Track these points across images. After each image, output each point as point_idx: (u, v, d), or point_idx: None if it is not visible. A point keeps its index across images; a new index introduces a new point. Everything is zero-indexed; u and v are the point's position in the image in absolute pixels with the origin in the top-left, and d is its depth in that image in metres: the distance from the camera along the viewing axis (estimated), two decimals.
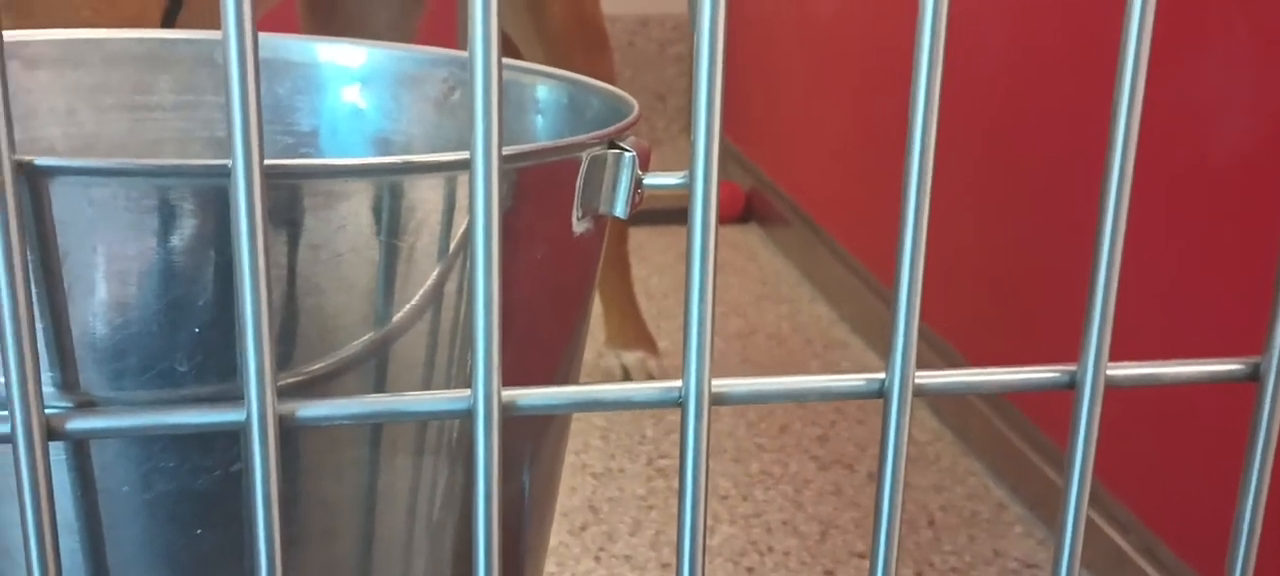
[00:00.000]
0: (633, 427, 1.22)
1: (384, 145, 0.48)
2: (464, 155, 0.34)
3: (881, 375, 0.33)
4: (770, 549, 1.02)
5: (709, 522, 1.06)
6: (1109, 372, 0.34)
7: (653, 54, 2.25)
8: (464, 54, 0.50)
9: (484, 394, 0.31)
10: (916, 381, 0.33)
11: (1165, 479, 0.93)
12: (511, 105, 0.47)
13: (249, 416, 0.29)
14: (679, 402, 0.32)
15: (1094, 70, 1.01)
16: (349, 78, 0.49)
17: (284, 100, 0.51)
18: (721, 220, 1.96)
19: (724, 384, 0.32)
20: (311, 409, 0.30)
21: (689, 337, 0.32)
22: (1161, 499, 0.94)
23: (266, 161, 0.28)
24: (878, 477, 0.34)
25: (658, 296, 1.55)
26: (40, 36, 0.48)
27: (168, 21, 0.72)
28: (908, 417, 0.33)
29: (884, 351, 1.57)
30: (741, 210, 1.84)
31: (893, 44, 1.42)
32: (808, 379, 0.33)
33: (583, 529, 1.04)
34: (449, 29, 1.63)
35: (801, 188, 1.71)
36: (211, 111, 0.51)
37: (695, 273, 0.31)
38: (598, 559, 1.01)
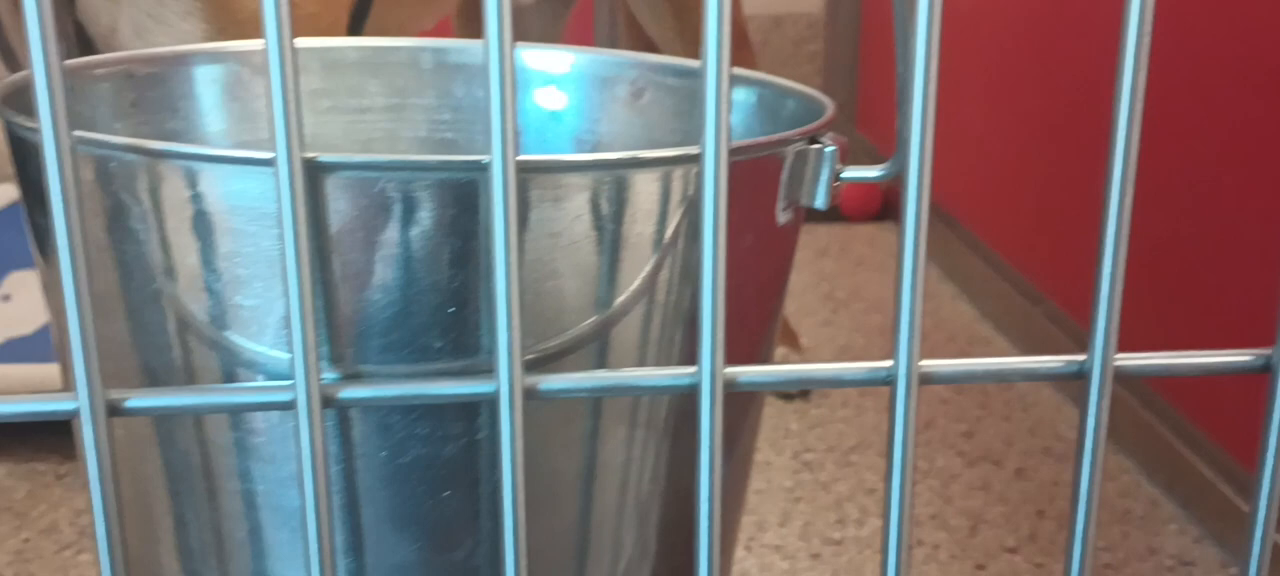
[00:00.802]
0: (778, 422, 1.24)
1: (581, 143, 0.51)
2: (682, 150, 0.37)
3: (1082, 357, 0.35)
4: (920, 542, 1.03)
5: (856, 515, 1.08)
6: None
7: (788, 52, 2.26)
8: (651, 57, 0.53)
9: (709, 369, 0.33)
10: (1116, 364, 0.34)
11: None
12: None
13: (500, 388, 0.32)
14: (888, 381, 0.34)
15: (1260, 56, 1.00)
16: (546, 80, 0.53)
17: (484, 102, 0.54)
18: (857, 218, 1.95)
19: (931, 364, 0.34)
20: (554, 382, 0.33)
21: (900, 320, 0.34)
22: None
23: (519, 158, 0.31)
24: (1076, 463, 0.36)
25: (796, 292, 1.57)
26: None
27: (354, 29, 0.76)
28: (1108, 400, 0.34)
29: (1029, 348, 1.56)
30: (879, 207, 1.85)
31: (1032, 37, 1.42)
32: (1011, 360, 0.35)
33: None
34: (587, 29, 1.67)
35: (940, 184, 1.70)
36: (416, 113, 0.54)
37: (907, 259, 0.33)
38: (748, 548, 1.03)
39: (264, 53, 0.52)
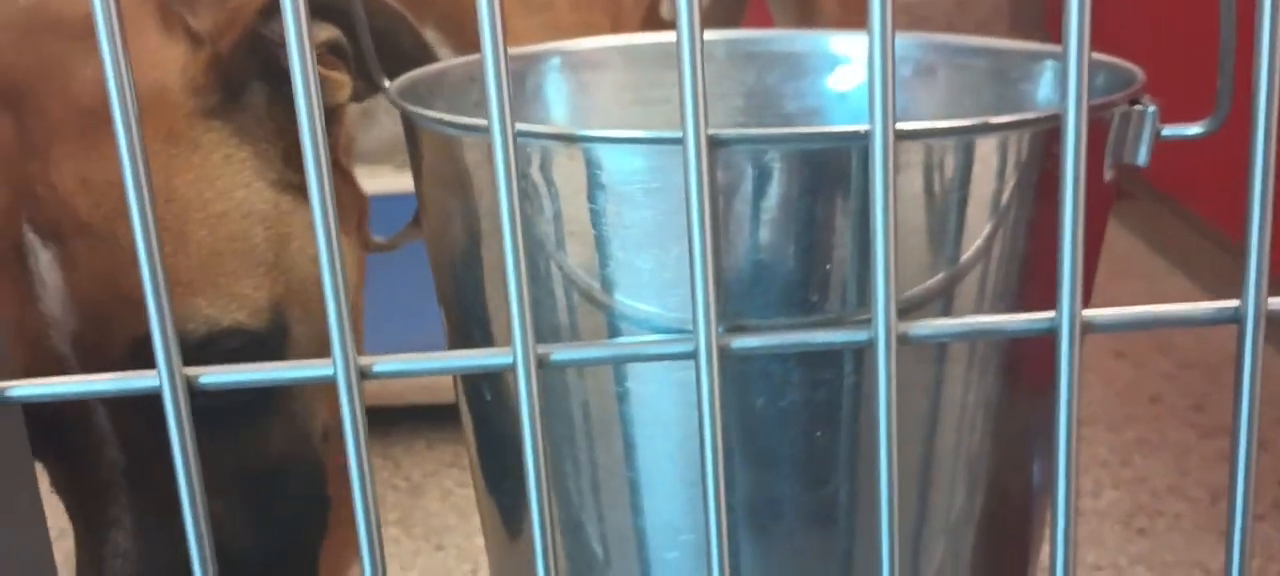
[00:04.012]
0: None
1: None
2: (1033, 114, 0.40)
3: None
4: (1160, 512, 1.03)
5: (1090, 487, 1.08)
6: None
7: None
8: (939, 37, 0.56)
9: (1068, 313, 0.36)
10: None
11: None
12: (1004, 79, 0.52)
13: (876, 335, 0.36)
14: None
15: None
16: (837, 62, 0.56)
17: (774, 88, 0.58)
18: None
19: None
20: (924, 327, 0.36)
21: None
22: None
23: (898, 126, 0.35)
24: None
25: None
26: (584, 45, 0.57)
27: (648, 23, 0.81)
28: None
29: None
30: None
31: None
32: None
33: None
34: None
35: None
36: (712, 101, 0.58)
37: (1255, 203, 0.36)
38: None
39: (580, 51, 0.57)
